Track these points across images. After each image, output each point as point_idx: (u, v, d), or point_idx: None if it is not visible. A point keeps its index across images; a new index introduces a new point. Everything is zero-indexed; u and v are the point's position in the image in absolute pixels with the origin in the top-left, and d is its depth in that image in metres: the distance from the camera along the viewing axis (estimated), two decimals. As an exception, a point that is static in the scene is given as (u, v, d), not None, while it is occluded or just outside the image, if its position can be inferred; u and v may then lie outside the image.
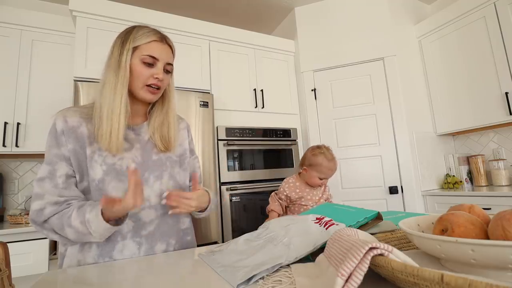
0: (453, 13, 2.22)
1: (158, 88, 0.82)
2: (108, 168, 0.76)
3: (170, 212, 0.78)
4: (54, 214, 0.71)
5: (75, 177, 0.76)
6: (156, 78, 0.80)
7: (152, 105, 0.90)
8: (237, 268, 0.54)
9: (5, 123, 1.83)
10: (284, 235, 0.66)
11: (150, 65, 0.79)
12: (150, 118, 0.88)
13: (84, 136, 0.77)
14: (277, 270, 0.53)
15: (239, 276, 0.50)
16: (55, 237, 0.73)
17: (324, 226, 0.65)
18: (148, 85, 0.80)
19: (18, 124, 1.85)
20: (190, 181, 0.96)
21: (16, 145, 1.83)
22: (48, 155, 0.75)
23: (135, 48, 0.78)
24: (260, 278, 0.50)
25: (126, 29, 0.83)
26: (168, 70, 0.84)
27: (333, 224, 0.64)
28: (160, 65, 0.80)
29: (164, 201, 0.76)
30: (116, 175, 0.77)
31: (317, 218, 0.71)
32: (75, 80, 1.69)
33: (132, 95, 0.82)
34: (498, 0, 1.96)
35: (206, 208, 0.91)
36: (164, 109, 0.88)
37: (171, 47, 0.85)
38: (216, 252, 0.68)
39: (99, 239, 0.71)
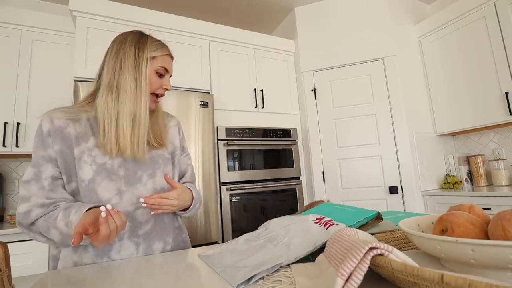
0: (453, 13, 2.22)
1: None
2: (98, 168, 0.76)
3: (152, 213, 0.78)
4: (41, 217, 0.69)
5: (61, 178, 0.74)
6: (165, 88, 0.86)
7: None
8: (237, 268, 0.54)
9: (5, 123, 1.83)
10: (284, 235, 0.66)
11: (161, 75, 0.85)
12: None
13: (72, 136, 0.76)
14: (277, 270, 0.53)
15: (239, 276, 0.50)
16: (42, 240, 0.72)
17: (324, 226, 0.65)
18: (155, 94, 0.86)
19: (18, 124, 1.85)
20: (180, 178, 0.97)
21: (16, 145, 1.83)
22: (34, 157, 0.74)
23: (152, 58, 0.82)
24: (260, 278, 0.50)
25: (135, 34, 0.83)
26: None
27: (333, 224, 0.64)
28: (168, 77, 0.87)
29: (144, 205, 0.75)
30: (107, 175, 0.76)
31: (317, 218, 0.71)
32: (75, 80, 1.69)
33: None
34: (498, 0, 1.96)
35: (190, 206, 0.88)
36: (154, 111, 0.90)
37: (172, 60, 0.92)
38: (216, 252, 0.68)
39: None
